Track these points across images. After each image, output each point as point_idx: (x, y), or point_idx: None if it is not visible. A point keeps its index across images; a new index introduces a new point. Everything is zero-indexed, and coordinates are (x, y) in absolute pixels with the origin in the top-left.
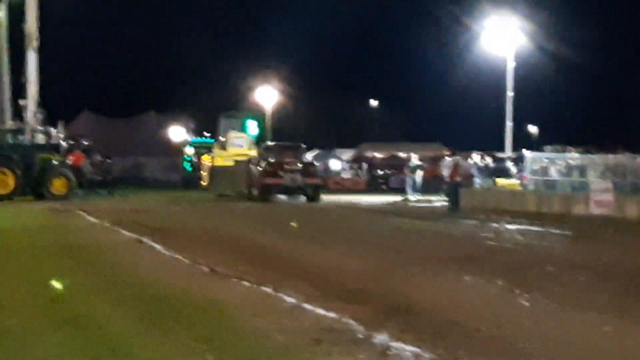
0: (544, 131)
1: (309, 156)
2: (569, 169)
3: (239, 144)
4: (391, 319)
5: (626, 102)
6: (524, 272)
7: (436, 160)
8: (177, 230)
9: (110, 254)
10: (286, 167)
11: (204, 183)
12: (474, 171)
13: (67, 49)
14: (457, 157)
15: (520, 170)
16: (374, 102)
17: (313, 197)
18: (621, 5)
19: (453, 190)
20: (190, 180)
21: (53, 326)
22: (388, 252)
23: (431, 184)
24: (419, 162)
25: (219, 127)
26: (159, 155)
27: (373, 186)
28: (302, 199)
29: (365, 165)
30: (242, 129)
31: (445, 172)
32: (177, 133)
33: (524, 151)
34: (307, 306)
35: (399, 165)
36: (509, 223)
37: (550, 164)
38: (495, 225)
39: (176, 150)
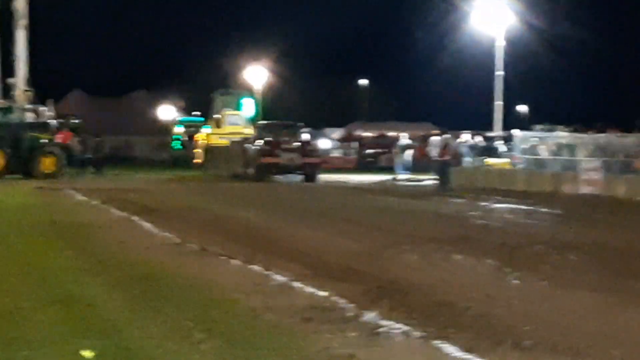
0: (534, 111)
1: (306, 135)
2: (559, 148)
3: (234, 122)
4: (381, 297)
5: (616, 81)
6: (514, 251)
7: (426, 140)
8: (167, 209)
9: (100, 233)
10: (283, 146)
11: (197, 161)
12: (464, 150)
13: (56, 27)
14: (446, 136)
15: (510, 150)
16: (363, 81)
17: (311, 177)
18: None
19: (442, 170)
20: (180, 159)
21: (43, 305)
22: (378, 232)
23: (421, 163)
24: (409, 141)
25: (213, 104)
26: (149, 134)
27: (363, 165)
28: (299, 178)
29: (355, 144)
30: (238, 107)
31: (434, 152)
32: (166, 112)
33: (514, 130)
34: (297, 285)
35: (389, 145)
36: (498, 202)
37: (539, 143)
38: (485, 204)
39: (166, 129)
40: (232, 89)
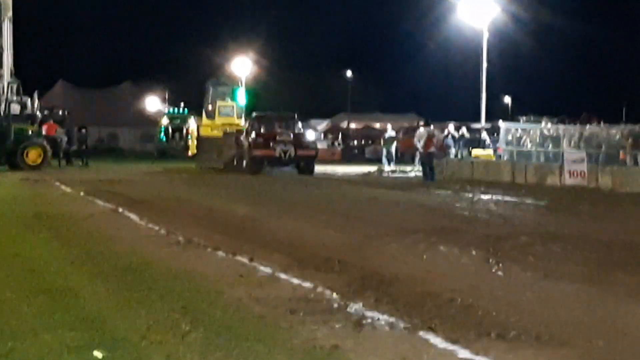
0: (519, 102)
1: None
2: (544, 139)
3: (227, 113)
4: (366, 289)
5: (600, 72)
6: (499, 242)
7: (411, 131)
8: (153, 201)
9: (85, 224)
10: (278, 138)
11: (190, 153)
12: (449, 142)
13: (42, 19)
14: (431, 128)
15: (495, 141)
16: (349, 73)
17: (306, 170)
18: None
19: (427, 161)
20: (165, 151)
21: (28, 297)
22: (363, 223)
23: (406, 155)
24: (393, 133)
25: (206, 94)
26: (135, 126)
27: (348, 157)
28: (293, 171)
29: (340, 136)
30: (231, 97)
31: (419, 143)
32: (152, 103)
33: (500, 122)
34: (283, 276)
35: (374, 136)
36: (483, 193)
37: (524, 134)
38: (469, 195)
39: (151, 120)
40: (226, 79)
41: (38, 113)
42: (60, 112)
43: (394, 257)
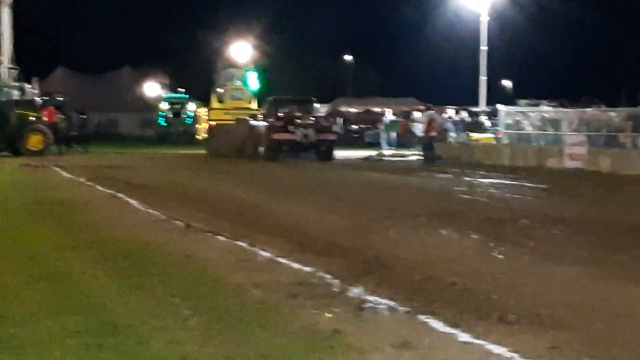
0: (518, 85)
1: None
2: (543, 122)
3: (238, 97)
4: (367, 273)
5: (600, 56)
6: (499, 225)
7: (409, 116)
8: (153, 186)
9: (85, 210)
10: (298, 121)
11: (199, 137)
12: (449, 125)
13: (41, 5)
14: (432, 112)
15: (494, 125)
16: (348, 57)
17: (326, 155)
18: None
19: (428, 145)
20: (165, 136)
21: (29, 282)
22: (363, 207)
23: (405, 139)
24: (392, 117)
25: (217, 78)
26: (134, 111)
27: (348, 141)
28: (312, 157)
29: (340, 120)
30: (242, 81)
31: (420, 127)
32: (151, 89)
33: (499, 105)
34: (283, 260)
35: (374, 120)
36: (483, 177)
37: (524, 117)
38: (469, 179)
39: (151, 106)
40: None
41: (37, 99)
42: (60, 98)
43: (394, 241)
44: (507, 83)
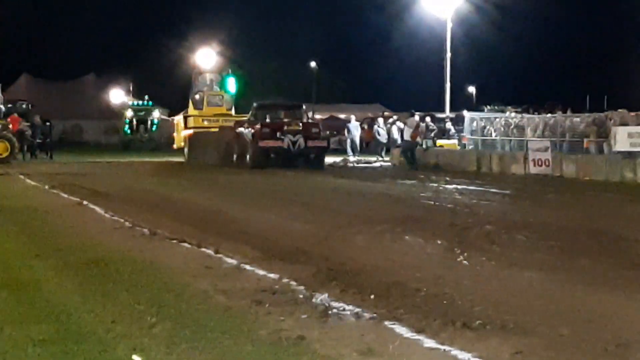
0: (483, 91)
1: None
2: (508, 128)
3: (217, 103)
4: (332, 279)
5: (566, 63)
6: (464, 232)
7: (373, 122)
8: (118, 193)
9: (50, 217)
10: (286, 127)
11: (175, 147)
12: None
13: (3, 12)
14: (416, 118)
15: (459, 131)
16: (313, 64)
17: (316, 163)
18: None
19: (411, 150)
20: (129, 143)
21: None
22: (328, 214)
23: (370, 145)
24: (357, 124)
25: (193, 84)
26: (99, 118)
27: None
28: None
29: None
30: (221, 86)
31: (407, 132)
32: (116, 96)
33: (464, 111)
34: (248, 267)
35: (339, 127)
36: (448, 183)
37: (489, 123)
38: (434, 185)
39: (116, 113)
40: (214, 67)
41: (2, 107)
42: (24, 106)
43: (359, 248)
44: (471, 89)
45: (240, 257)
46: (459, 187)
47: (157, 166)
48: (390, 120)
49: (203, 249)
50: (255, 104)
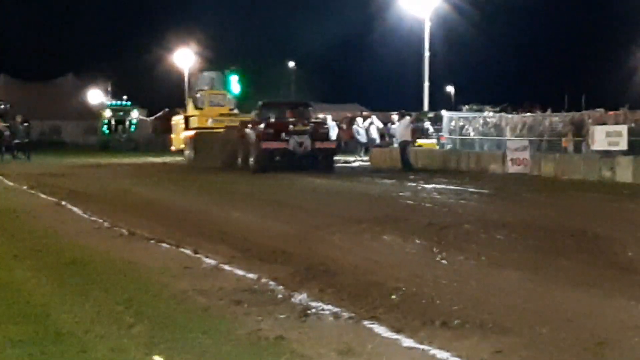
0: (461, 91)
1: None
2: (486, 127)
3: (218, 103)
4: (311, 279)
5: (544, 63)
6: (443, 231)
7: (352, 121)
8: (96, 194)
9: (28, 218)
10: (291, 128)
11: (174, 148)
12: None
13: None
14: (409, 119)
15: (438, 130)
16: (291, 64)
17: (325, 165)
18: None
19: (405, 150)
20: (108, 144)
21: None
22: (308, 213)
23: (349, 145)
24: (334, 123)
25: (194, 82)
26: (78, 119)
27: None
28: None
29: None
30: (223, 85)
31: (403, 132)
32: (95, 96)
33: (442, 111)
34: (227, 267)
35: None
36: (427, 182)
37: (467, 123)
38: (413, 184)
39: (94, 113)
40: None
41: None
42: (2, 106)
43: (338, 247)
44: (450, 88)
45: (219, 257)
46: (437, 186)
47: (136, 167)
48: (369, 120)
49: (182, 249)
50: (259, 103)
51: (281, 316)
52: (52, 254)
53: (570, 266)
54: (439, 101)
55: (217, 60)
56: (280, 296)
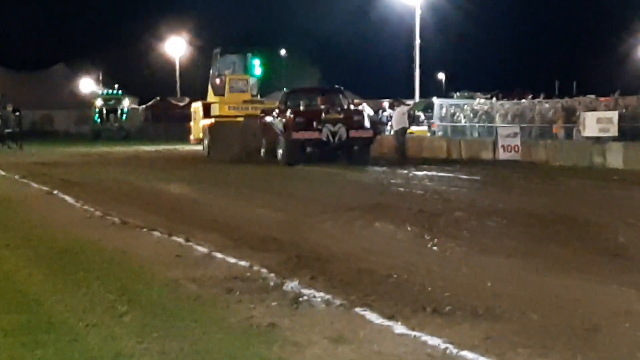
0: (452, 78)
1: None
2: (477, 114)
3: (240, 88)
4: (302, 266)
5: (535, 49)
6: (434, 218)
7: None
8: (89, 183)
9: (20, 207)
10: (324, 116)
11: (193, 137)
12: (384, 119)
13: None
14: (404, 107)
15: (429, 117)
16: (283, 51)
17: (361, 157)
18: None
19: (403, 138)
20: (100, 133)
21: None
22: (299, 201)
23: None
24: (370, 110)
25: (213, 64)
26: (69, 108)
27: None
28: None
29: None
30: (246, 68)
31: (399, 120)
32: (86, 85)
33: (433, 98)
34: (219, 255)
35: None
36: (418, 169)
37: (458, 110)
38: (404, 171)
39: (86, 102)
40: (235, 47)
41: None
42: None
43: (330, 235)
44: (441, 76)
45: (210, 245)
46: (428, 173)
47: (129, 156)
48: (360, 107)
49: (174, 238)
50: (285, 89)
51: (273, 304)
52: (44, 243)
53: (561, 252)
54: (430, 88)
55: (208, 49)
56: (272, 284)
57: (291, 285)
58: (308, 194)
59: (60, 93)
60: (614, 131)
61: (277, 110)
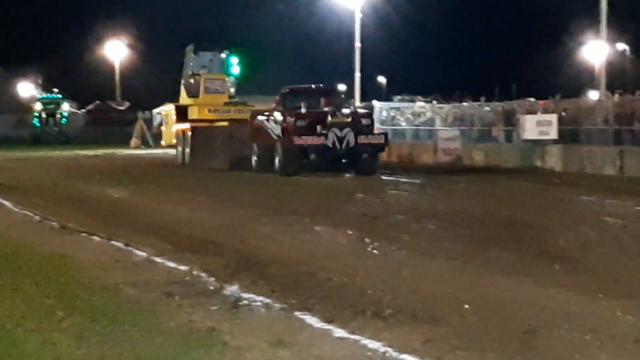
0: (392, 81)
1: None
2: (417, 118)
3: (216, 89)
4: (242, 270)
5: (475, 53)
6: (374, 221)
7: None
8: (27, 187)
9: None
10: (330, 119)
11: (164, 143)
12: None
13: None
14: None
15: None
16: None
17: (369, 165)
18: None
19: None
20: (39, 137)
21: None
22: (239, 206)
23: None
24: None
25: (185, 63)
26: (8, 112)
27: None
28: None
29: None
30: (222, 67)
31: None
32: (25, 89)
33: (373, 102)
34: (158, 259)
35: None
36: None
37: (398, 113)
38: (347, 175)
39: (25, 106)
40: (210, 44)
41: None
42: None
43: (270, 239)
44: (382, 79)
45: (150, 249)
46: (369, 177)
47: (69, 160)
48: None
49: (113, 242)
50: (283, 89)
51: (213, 308)
52: None
53: (500, 255)
54: (371, 92)
55: (149, 52)
56: (211, 288)
57: (231, 289)
58: (249, 198)
59: None
60: (553, 134)
61: (273, 113)
